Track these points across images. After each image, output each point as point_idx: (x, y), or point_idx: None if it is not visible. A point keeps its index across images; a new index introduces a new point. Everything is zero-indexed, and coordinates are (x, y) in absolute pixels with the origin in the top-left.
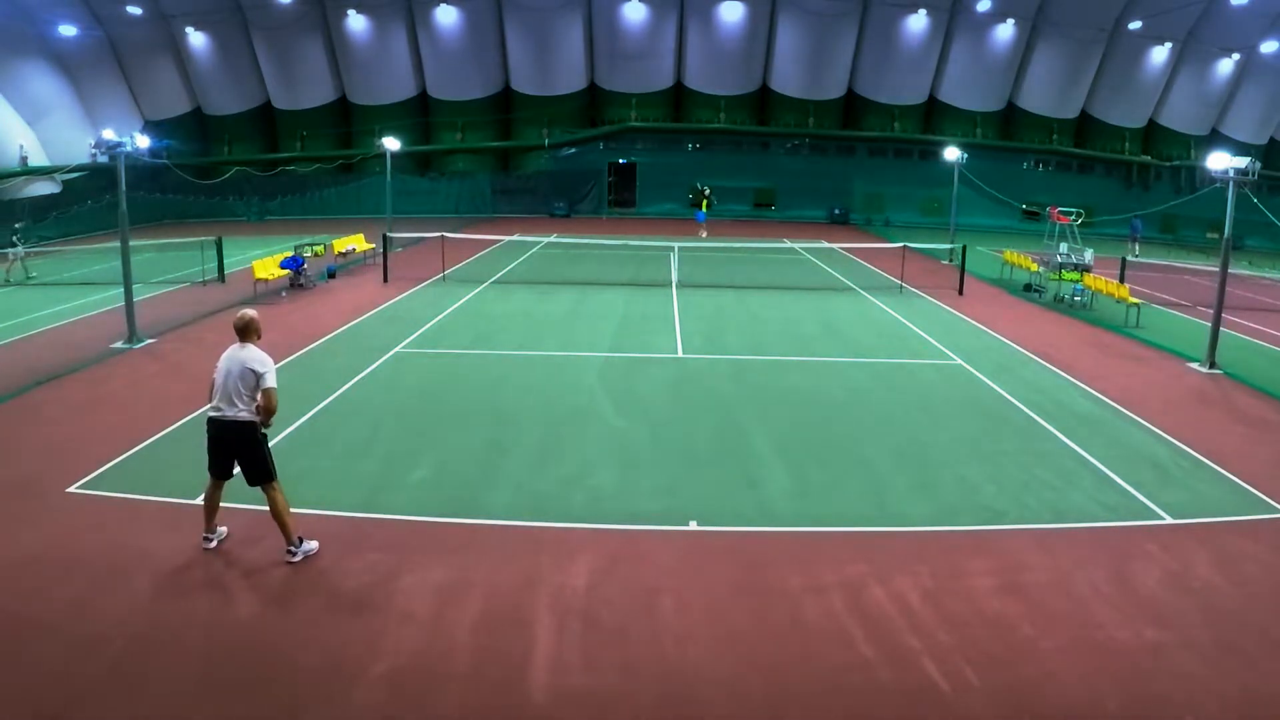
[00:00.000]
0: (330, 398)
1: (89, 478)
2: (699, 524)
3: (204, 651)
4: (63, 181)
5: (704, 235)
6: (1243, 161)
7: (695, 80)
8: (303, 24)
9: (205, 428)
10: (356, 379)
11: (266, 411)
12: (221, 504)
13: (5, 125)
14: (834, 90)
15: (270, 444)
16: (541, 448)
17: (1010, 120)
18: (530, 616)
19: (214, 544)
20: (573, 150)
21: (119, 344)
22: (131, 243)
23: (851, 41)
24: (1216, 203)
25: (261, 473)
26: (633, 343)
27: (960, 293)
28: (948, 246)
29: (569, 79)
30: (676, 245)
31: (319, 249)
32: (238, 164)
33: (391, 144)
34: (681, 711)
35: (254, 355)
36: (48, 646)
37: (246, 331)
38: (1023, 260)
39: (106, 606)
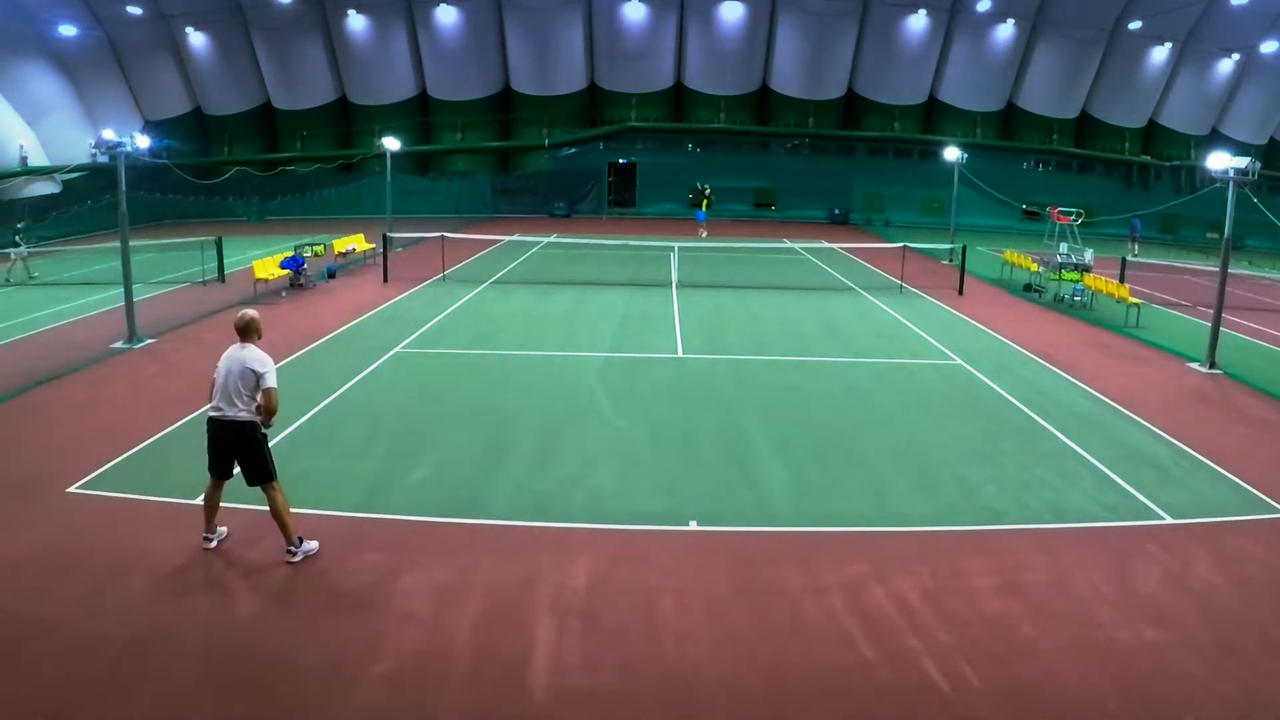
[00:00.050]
0: (330, 398)
1: (89, 478)
2: (699, 524)
3: (204, 651)
4: (63, 181)
5: (704, 235)
6: (1243, 161)
7: (695, 80)
8: (303, 24)
9: (205, 428)
10: (356, 379)
11: (267, 411)
12: (221, 504)
13: (5, 125)
14: (834, 90)
15: (270, 444)
16: (541, 448)
17: (1010, 120)
18: (530, 616)
19: (214, 544)
20: (573, 150)
21: (119, 344)
22: (131, 243)
23: (851, 41)
24: (1216, 203)
25: (261, 473)
26: (633, 343)
27: (960, 293)
28: (948, 246)
29: (569, 79)
30: (676, 245)
31: (319, 249)
32: (238, 164)
33: (391, 144)
34: (681, 711)
35: (254, 355)
36: (48, 646)
37: (247, 331)
38: (1023, 260)
39: (106, 606)
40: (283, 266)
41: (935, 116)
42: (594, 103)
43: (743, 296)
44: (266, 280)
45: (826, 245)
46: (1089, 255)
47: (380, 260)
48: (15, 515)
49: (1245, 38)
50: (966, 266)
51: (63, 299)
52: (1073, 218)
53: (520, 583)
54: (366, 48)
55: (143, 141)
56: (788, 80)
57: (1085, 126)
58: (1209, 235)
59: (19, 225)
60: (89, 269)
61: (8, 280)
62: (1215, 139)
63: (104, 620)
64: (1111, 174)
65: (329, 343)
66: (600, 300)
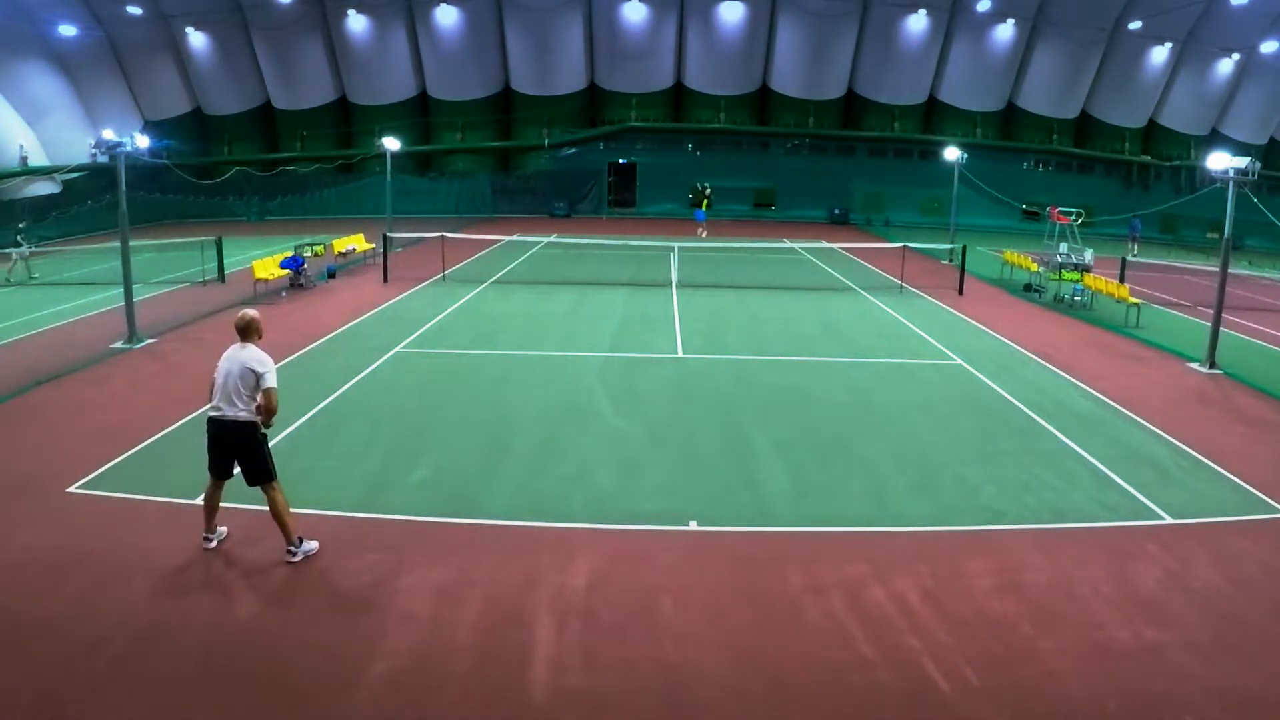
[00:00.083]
0: (330, 398)
1: (89, 478)
2: (699, 524)
3: (204, 651)
4: (63, 181)
5: (703, 235)
6: (1243, 161)
7: (695, 80)
8: (303, 24)
9: (205, 428)
10: (356, 379)
11: (267, 411)
12: (221, 504)
13: (5, 125)
14: (834, 90)
15: (270, 444)
16: (541, 448)
17: (1010, 120)
18: (530, 616)
19: (214, 544)
20: (573, 150)
21: (119, 344)
22: (131, 243)
23: (851, 41)
24: (1216, 203)
25: (261, 473)
26: (633, 343)
27: (960, 293)
28: (948, 246)
29: (569, 79)
30: (676, 245)
31: (319, 249)
32: (238, 164)
33: (391, 144)
34: (681, 711)
35: (254, 355)
36: (48, 646)
37: (247, 331)
38: (1023, 260)
39: (106, 606)
40: (283, 266)
41: (935, 116)
42: (594, 103)
43: (743, 296)
44: (266, 280)
45: (826, 245)
46: (1089, 255)
47: (380, 260)
48: (15, 515)
49: (1245, 38)
50: (966, 266)
51: (63, 299)
52: (1073, 218)
53: (520, 583)
54: (366, 48)
55: (143, 141)
56: (788, 80)
57: (1085, 126)
58: (1209, 235)
59: (20, 225)
60: (89, 269)
61: (8, 280)
62: (1215, 139)
63: (104, 620)
64: (1111, 174)
65: (329, 343)
66: (600, 300)
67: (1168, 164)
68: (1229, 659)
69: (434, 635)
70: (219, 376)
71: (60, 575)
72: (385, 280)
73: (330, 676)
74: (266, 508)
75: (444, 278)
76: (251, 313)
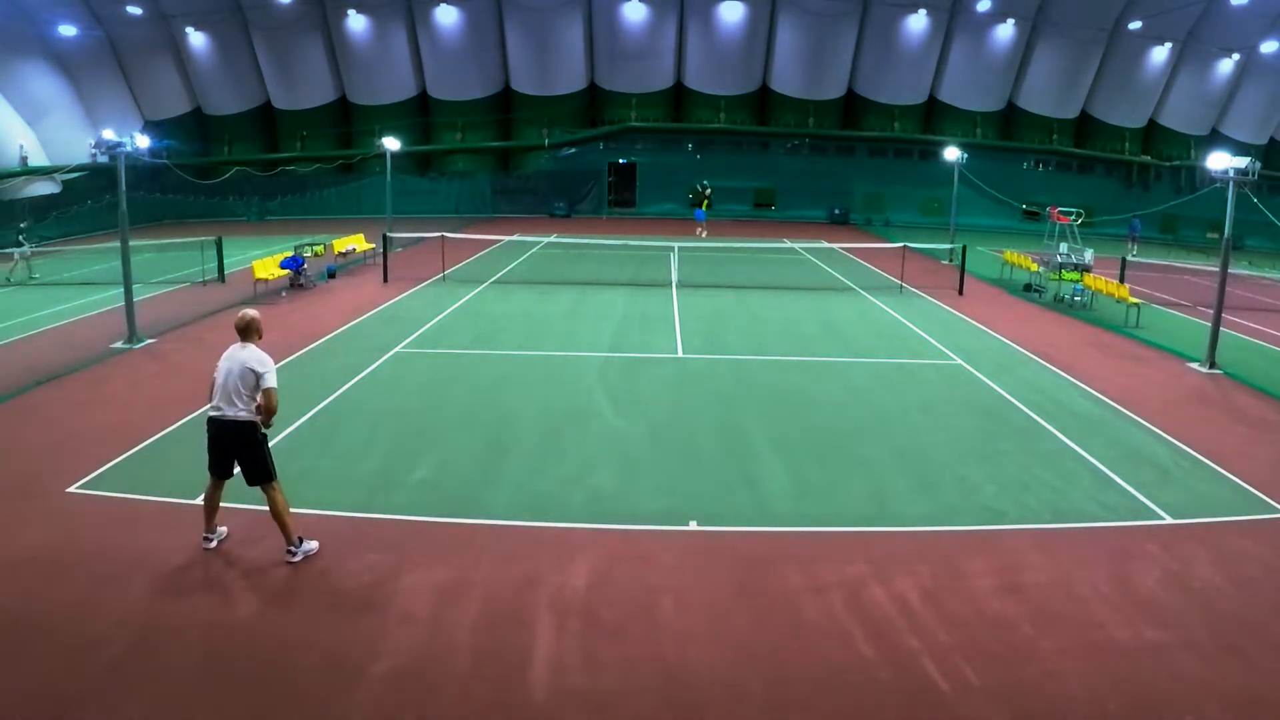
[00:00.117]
0: (330, 398)
1: (89, 478)
2: (699, 524)
3: (204, 651)
4: (63, 181)
5: (703, 235)
6: (1243, 161)
7: (695, 80)
8: (303, 24)
9: (205, 427)
10: (356, 379)
11: (267, 411)
12: (221, 504)
13: (5, 125)
14: (834, 90)
15: (270, 444)
16: (541, 448)
17: (1010, 120)
18: (530, 616)
19: (214, 544)
20: (573, 150)
21: (119, 344)
22: (131, 243)
23: (851, 41)
24: (1216, 203)
25: (261, 473)
26: (633, 343)
27: (960, 293)
28: (948, 246)
29: (569, 79)
30: (676, 245)
31: (319, 249)
32: (238, 164)
33: (391, 144)
34: (682, 712)
35: (254, 355)
36: (48, 646)
37: (247, 331)
38: (1023, 260)
39: (106, 606)
40: (283, 266)
41: (935, 116)
42: (594, 103)
43: (743, 296)
44: (266, 280)
45: (826, 245)
46: (1089, 255)
47: (380, 260)
48: (15, 515)
49: (1245, 38)
50: (966, 266)
51: (63, 299)
52: (1073, 218)
53: (520, 583)
54: (366, 48)
55: (143, 141)
56: (788, 80)
57: (1085, 126)
58: (1209, 235)
59: (22, 225)
60: (89, 269)
61: (9, 280)
62: (1215, 139)
63: (104, 620)
64: (1111, 174)
65: (329, 343)
66: (600, 300)
67: (1168, 164)
68: (1229, 659)
69: (434, 635)
70: (219, 376)
71: (60, 575)
72: (385, 280)
73: (330, 676)
74: (266, 508)
75: (444, 278)
76: (252, 313)
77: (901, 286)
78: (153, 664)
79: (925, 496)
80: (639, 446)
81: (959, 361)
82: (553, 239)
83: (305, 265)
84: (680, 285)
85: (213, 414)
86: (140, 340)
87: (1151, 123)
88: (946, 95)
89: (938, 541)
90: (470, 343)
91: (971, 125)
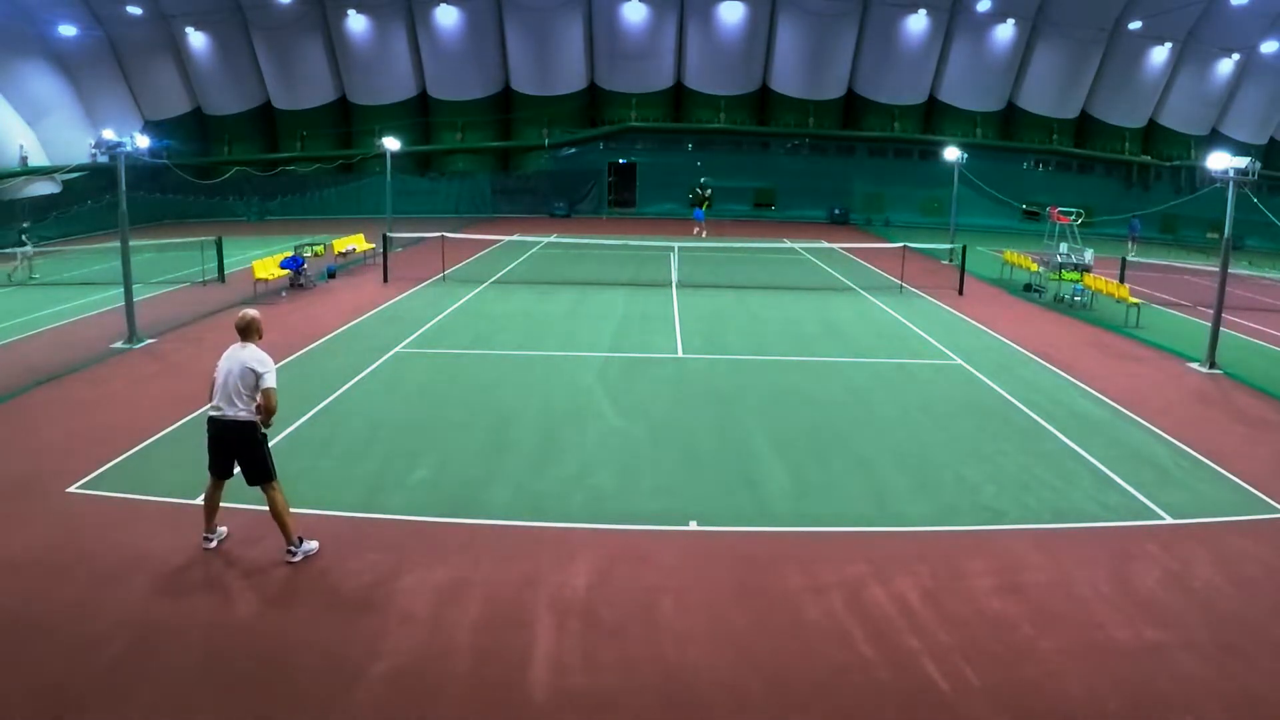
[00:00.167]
0: (330, 398)
1: (89, 478)
2: (699, 524)
3: (204, 652)
4: (63, 181)
5: (702, 235)
6: (1243, 161)
7: (695, 80)
8: (303, 24)
9: (205, 427)
10: (356, 379)
11: (266, 411)
12: (221, 504)
13: (5, 125)
14: (834, 90)
15: (270, 444)
16: (541, 448)
17: (1010, 120)
18: (530, 616)
19: (214, 544)
20: (573, 150)
21: (119, 344)
22: (131, 243)
23: (851, 41)
24: (1216, 203)
25: (261, 472)
26: (633, 343)
27: (960, 293)
28: (948, 246)
29: (569, 79)
30: (676, 245)
31: (319, 249)
32: (238, 164)
33: (391, 144)
34: (681, 711)
35: (254, 355)
36: (48, 646)
37: (248, 331)
38: (1023, 260)
39: (106, 606)
40: (283, 266)
41: (935, 116)
42: (594, 103)
43: (743, 296)
44: (266, 280)
45: (826, 245)
46: (1089, 255)
47: (380, 260)
48: (15, 515)
49: (1245, 38)
50: (966, 266)
51: (63, 299)
52: (1073, 218)
53: (520, 583)
54: (366, 48)
55: (143, 141)
56: (788, 80)
57: (1085, 126)
58: (1209, 235)
59: (24, 225)
60: (89, 269)
61: (10, 279)
62: (1215, 139)
63: (104, 620)
64: (1111, 174)
65: (329, 343)
66: (600, 300)
67: (1168, 164)
68: (1229, 659)
69: (434, 635)
70: (219, 376)
71: (60, 575)
72: (385, 280)
73: (330, 676)
74: (266, 508)
75: (444, 278)
76: (252, 312)
77: (901, 286)
78: (153, 664)
79: (925, 496)
80: (639, 446)
81: (959, 361)
82: (553, 239)
83: (305, 265)
84: (680, 285)
85: (213, 414)
86: (140, 340)
87: (1151, 123)
88: (946, 95)
89: (938, 541)
90: (470, 343)
91: (971, 125)
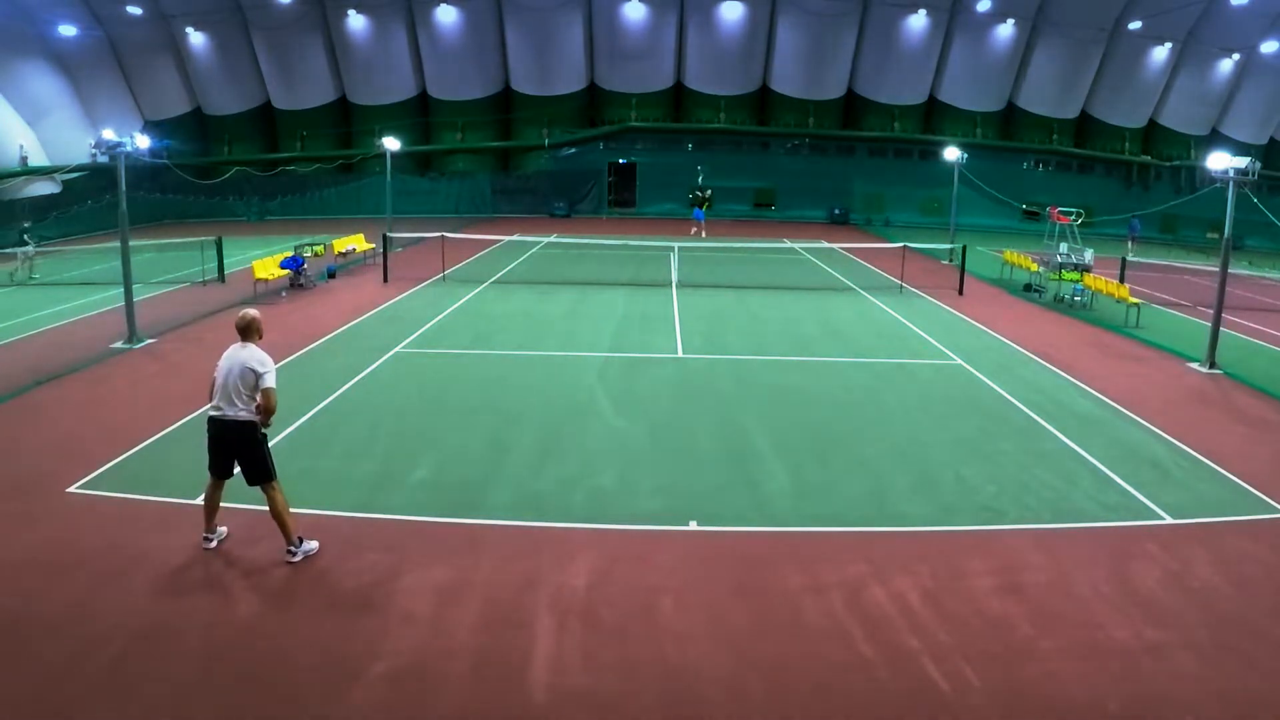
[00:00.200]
0: (330, 398)
1: (89, 478)
2: (699, 524)
3: (204, 651)
4: (63, 181)
5: (702, 235)
6: (1243, 161)
7: (695, 80)
8: (303, 24)
9: (205, 427)
10: (356, 379)
11: (266, 411)
12: (221, 504)
13: (5, 125)
14: (834, 90)
15: (270, 444)
16: (541, 448)
17: (1010, 120)
18: (530, 616)
19: (214, 544)
20: (573, 150)
21: (119, 344)
22: (131, 243)
23: (851, 41)
24: (1216, 203)
25: (261, 472)
26: (633, 343)
27: (960, 293)
28: (948, 246)
29: (569, 79)
30: (676, 245)
31: (319, 249)
32: (238, 164)
33: (391, 144)
34: (681, 711)
35: (254, 355)
36: (48, 646)
37: (248, 331)
38: (1023, 260)
39: (106, 606)
40: (283, 266)
41: (935, 116)
42: (594, 103)
43: (743, 296)
44: (266, 280)
45: (826, 245)
46: (1089, 255)
47: (380, 260)
48: (15, 515)
49: (1245, 38)
50: (966, 266)
51: (63, 299)
52: (1073, 218)
53: (520, 583)
54: (366, 48)
55: (143, 141)
56: (788, 80)
57: (1085, 126)
58: (1209, 235)
59: (26, 225)
60: (89, 269)
61: (11, 279)
62: (1215, 139)
63: (104, 620)
64: (1111, 174)
65: (329, 343)
66: (600, 300)
67: (1168, 164)
68: (1229, 659)
69: (434, 635)
70: (219, 376)
71: (60, 575)
72: (385, 280)
73: (330, 676)
74: (266, 508)
75: (444, 278)
76: (252, 312)
77: (901, 286)
78: (153, 664)
79: (925, 496)
80: (639, 446)
81: (959, 361)
82: (553, 239)
83: (305, 265)
84: (680, 285)
85: (213, 414)
86: (140, 340)
87: (1151, 123)
88: (946, 95)
89: (938, 541)
90: (470, 343)
91: (971, 125)
